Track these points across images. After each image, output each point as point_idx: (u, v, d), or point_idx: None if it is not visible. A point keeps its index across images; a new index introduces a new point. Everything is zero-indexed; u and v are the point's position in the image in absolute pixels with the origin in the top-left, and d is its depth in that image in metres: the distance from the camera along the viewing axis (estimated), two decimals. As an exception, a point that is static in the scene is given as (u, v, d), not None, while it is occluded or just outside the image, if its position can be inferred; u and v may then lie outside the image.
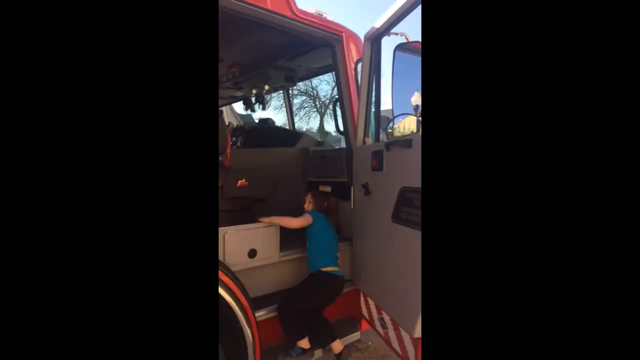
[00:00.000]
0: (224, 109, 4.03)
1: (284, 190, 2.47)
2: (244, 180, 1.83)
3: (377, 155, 1.75)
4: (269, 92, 3.19)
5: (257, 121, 3.32)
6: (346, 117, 2.20)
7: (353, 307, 2.27)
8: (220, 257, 1.73)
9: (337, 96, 2.28)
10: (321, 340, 1.91)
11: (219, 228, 1.74)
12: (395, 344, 1.69)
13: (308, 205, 2.10)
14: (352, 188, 2.13)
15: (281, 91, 3.40)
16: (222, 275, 1.60)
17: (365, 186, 1.92)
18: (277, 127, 2.97)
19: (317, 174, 2.60)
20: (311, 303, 1.91)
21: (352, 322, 2.21)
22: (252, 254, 1.85)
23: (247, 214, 1.91)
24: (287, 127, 3.56)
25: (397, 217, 1.58)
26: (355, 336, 2.07)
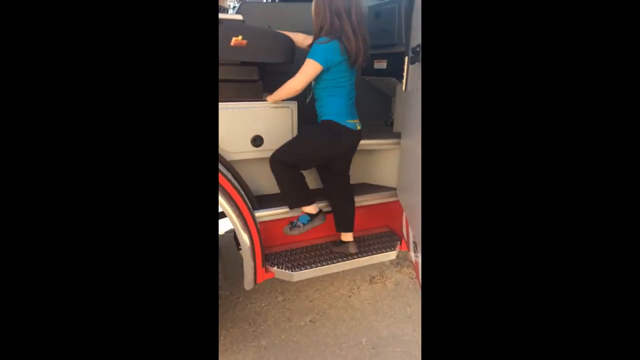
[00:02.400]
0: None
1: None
2: (239, 37, 1.29)
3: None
4: None
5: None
6: None
7: (395, 220, 1.80)
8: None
9: None
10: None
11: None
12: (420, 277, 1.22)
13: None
14: (406, 59, 1.40)
15: None
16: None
17: (415, 50, 1.19)
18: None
19: (371, 42, 1.86)
20: (311, 149, 1.42)
21: (391, 238, 1.78)
22: (258, 141, 1.44)
23: (255, 88, 1.43)
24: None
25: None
26: (389, 255, 1.66)
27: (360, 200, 1.64)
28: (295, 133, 1.51)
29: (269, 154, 1.47)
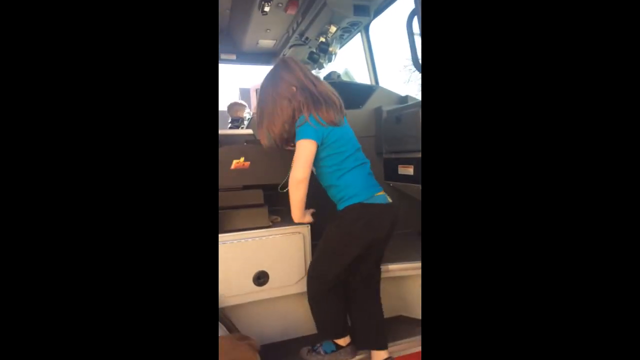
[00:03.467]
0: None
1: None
2: (241, 159, 1.12)
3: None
4: (336, 35, 2.34)
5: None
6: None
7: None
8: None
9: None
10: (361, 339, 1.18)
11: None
12: None
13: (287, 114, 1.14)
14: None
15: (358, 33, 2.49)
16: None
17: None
18: (342, 82, 2.12)
19: (391, 147, 1.68)
20: (344, 247, 1.11)
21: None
22: (262, 279, 1.15)
23: (260, 214, 1.20)
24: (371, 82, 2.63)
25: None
26: None
27: (399, 349, 1.24)
28: (308, 262, 1.22)
29: (275, 294, 1.17)
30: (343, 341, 1.17)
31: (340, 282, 1.15)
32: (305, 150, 1.08)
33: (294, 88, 1.13)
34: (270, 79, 1.18)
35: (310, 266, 1.16)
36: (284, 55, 3.14)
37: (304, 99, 1.12)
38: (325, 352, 1.16)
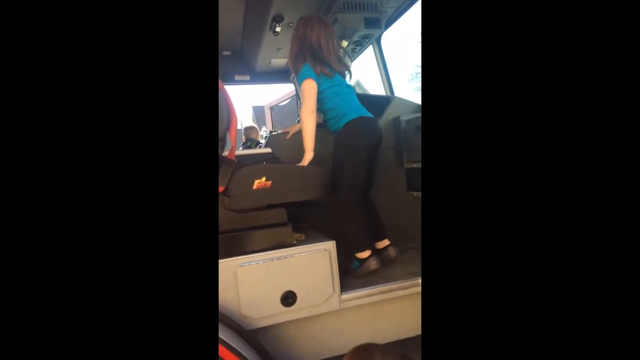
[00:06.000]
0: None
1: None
2: (263, 178, 1.11)
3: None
4: (347, 50, 2.34)
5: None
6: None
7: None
8: (230, 307, 1.07)
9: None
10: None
11: (229, 260, 1.08)
12: None
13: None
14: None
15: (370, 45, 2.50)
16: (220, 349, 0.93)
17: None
18: (358, 95, 2.11)
19: (413, 157, 1.64)
20: (352, 158, 1.38)
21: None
22: (290, 299, 1.12)
23: (284, 233, 1.18)
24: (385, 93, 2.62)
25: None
26: None
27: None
28: (335, 280, 1.19)
29: (303, 314, 1.14)
30: (365, 254, 1.34)
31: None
32: (309, 87, 1.34)
33: (302, 45, 1.40)
34: (297, 25, 1.45)
35: (334, 181, 1.34)
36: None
37: (312, 56, 1.37)
38: (354, 267, 1.35)
